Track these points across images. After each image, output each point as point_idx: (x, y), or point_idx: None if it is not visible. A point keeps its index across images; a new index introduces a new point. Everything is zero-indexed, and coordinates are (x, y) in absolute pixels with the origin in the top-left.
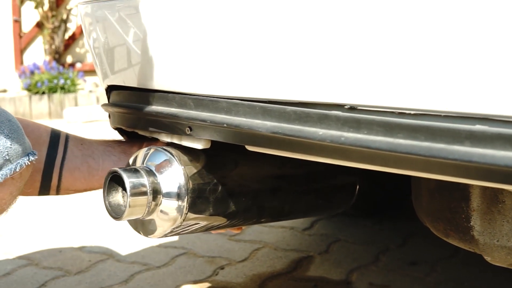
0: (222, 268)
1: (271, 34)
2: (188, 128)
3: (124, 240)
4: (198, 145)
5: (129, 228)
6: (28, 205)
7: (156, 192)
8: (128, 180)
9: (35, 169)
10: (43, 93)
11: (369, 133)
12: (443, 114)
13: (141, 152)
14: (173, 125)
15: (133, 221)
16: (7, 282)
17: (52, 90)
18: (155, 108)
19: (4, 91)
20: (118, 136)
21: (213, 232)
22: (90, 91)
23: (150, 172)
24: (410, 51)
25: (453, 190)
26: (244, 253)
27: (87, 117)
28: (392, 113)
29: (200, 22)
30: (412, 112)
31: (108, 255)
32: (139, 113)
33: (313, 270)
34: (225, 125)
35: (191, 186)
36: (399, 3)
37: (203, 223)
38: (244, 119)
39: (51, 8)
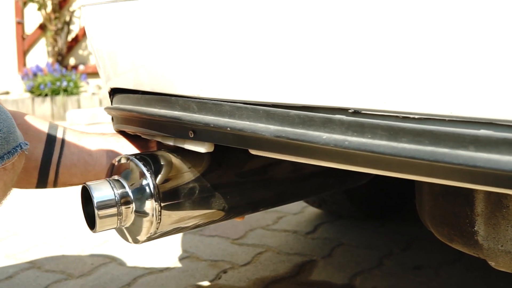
0: (225, 272)
1: (275, 38)
2: (191, 132)
3: (127, 244)
4: (201, 149)
5: None
6: (30, 208)
7: (126, 203)
8: (95, 194)
9: (32, 165)
10: (46, 95)
11: (373, 137)
12: (447, 118)
13: (117, 162)
14: (176, 129)
15: (118, 230)
16: (10, 285)
17: (55, 92)
18: (158, 111)
19: (7, 93)
20: None
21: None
22: (93, 94)
23: (118, 183)
24: (414, 55)
25: (457, 195)
26: (247, 257)
27: (90, 120)
28: (396, 118)
29: (203, 25)
30: (416, 116)
31: (110, 258)
32: (142, 116)
33: (316, 274)
34: (228, 128)
35: (161, 194)
36: (402, 7)
37: (185, 224)
38: (248, 122)
39: (54, 10)
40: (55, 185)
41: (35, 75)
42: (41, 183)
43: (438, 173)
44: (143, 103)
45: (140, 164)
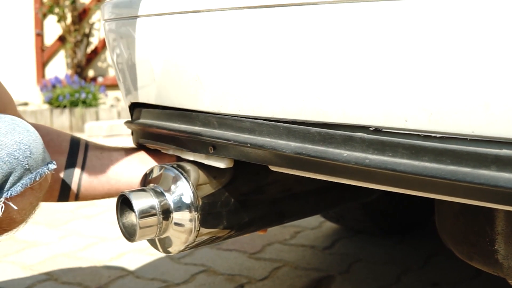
0: (242, 286)
1: (296, 56)
2: (211, 147)
3: (144, 256)
4: (221, 164)
5: (148, 244)
6: (47, 220)
7: (166, 212)
8: (136, 203)
9: (54, 178)
10: (65, 107)
11: (394, 156)
12: (469, 137)
13: (151, 171)
14: (196, 144)
15: (151, 240)
16: None
17: (74, 104)
18: (178, 126)
19: (26, 104)
20: None
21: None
22: (112, 106)
23: (158, 193)
24: (435, 75)
25: (478, 213)
26: (264, 272)
27: (108, 132)
28: (417, 136)
29: (226, 42)
30: (438, 135)
31: (127, 271)
32: (162, 131)
33: None
34: (248, 145)
35: (200, 203)
36: (429, 25)
37: (220, 235)
38: (268, 139)
39: (73, 22)
40: (76, 198)
41: (54, 86)
42: (63, 196)
43: (459, 192)
44: (164, 118)
45: (179, 173)
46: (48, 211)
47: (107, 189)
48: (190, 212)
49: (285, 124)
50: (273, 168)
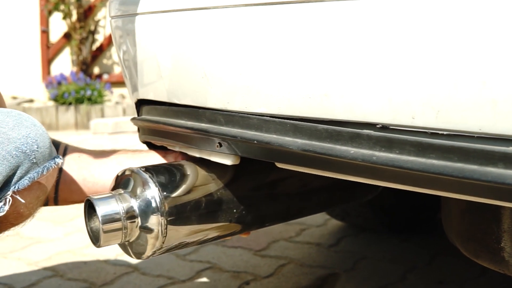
0: (247, 283)
1: (302, 52)
2: (218, 144)
3: None
4: (228, 161)
5: None
6: (53, 216)
7: (131, 217)
8: (99, 208)
9: None
10: (70, 104)
11: (401, 153)
12: (476, 135)
13: (122, 174)
14: (203, 141)
15: (122, 245)
16: None
17: (79, 101)
18: (185, 123)
19: (31, 101)
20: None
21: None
22: (117, 103)
23: (124, 197)
24: (442, 72)
25: (484, 211)
26: (269, 269)
27: (113, 129)
28: (424, 133)
29: (233, 39)
30: (445, 132)
31: (133, 267)
32: (169, 127)
33: None
34: (255, 141)
35: (167, 207)
36: (434, 24)
37: (190, 240)
38: (275, 136)
39: (79, 19)
40: (56, 202)
41: (59, 83)
42: None
43: (467, 189)
44: (170, 114)
45: (146, 177)
46: (53, 208)
47: (85, 192)
48: (156, 217)
49: (292, 121)
50: (280, 165)
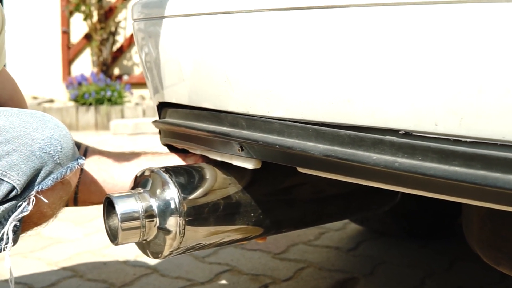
0: (266, 286)
1: (325, 58)
2: (240, 148)
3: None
4: (249, 165)
5: None
6: (73, 217)
7: (150, 216)
8: (119, 206)
9: None
10: (90, 104)
11: (423, 160)
12: (499, 142)
13: (141, 174)
14: (224, 144)
15: (139, 244)
16: None
17: (99, 101)
18: (207, 126)
19: (51, 101)
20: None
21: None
22: (137, 104)
23: (143, 197)
24: (466, 79)
25: (506, 218)
26: (288, 272)
27: (133, 130)
28: (447, 140)
29: (255, 44)
30: (468, 140)
31: (152, 269)
32: (190, 131)
33: None
34: (277, 146)
35: (185, 208)
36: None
37: (208, 242)
38: (297, 141)
39: (99, 20)
40: (75, 203)
41: (79, 84)
42: None
43: (489, 197)
44: (192, 118)
45: (166, 177)
46: (74, 208)
47: (104, 193)
48: (175, 217)
49: (314, 126)
50: (301, 170)
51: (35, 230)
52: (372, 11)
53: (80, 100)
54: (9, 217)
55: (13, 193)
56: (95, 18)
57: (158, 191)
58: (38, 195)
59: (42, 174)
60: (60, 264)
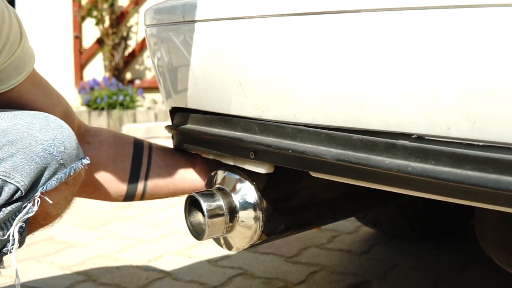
0: None
1: (337, 62)
2: (252, 153)
3: (182, 259)
4: (262, 169)
5: (187, 246)
6: (86, 221)
7: (232, 212)
8: (205, 203)
9: (121, 179)
10: (102, 109)
11: (436, 164)
12: None
13: (215, 173)
14: (237, 149)
15: (218, 238)
16: None
17: (111, 106)
18: (220, 131)
19: None
20: None
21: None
22: (149, 108)
23: (225, 194)
24: (479, 83)
25: None
26: (301, 276)
27: (145, 134)
28: (460, 144)
29: (267, 49)
30: (481, 143)
31: (165, 273)
32: (203, 136)
33: None
34: (290, 151)
35: (264, 202)
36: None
37: (281, 234)
38: (309, 145)
39: (111, 25)
40: (142, 198)
41: (92, 89)
42: (129, 196)
43: (502, 200)
44: (204, 123)
45: (244, 174)
46: (86, 212)
47: (172, 189)
48: (255, 212)
49: (326, 131)
50: (314, 174)
51: (47, 235)
52: (382, 16)
53: (92, 104)
54: (15, 219)
55: (18, 194)
56: (107, 23)
57: (237, 188)
58: (43, 196)
59: (46, 175)
60: (73, 268)
